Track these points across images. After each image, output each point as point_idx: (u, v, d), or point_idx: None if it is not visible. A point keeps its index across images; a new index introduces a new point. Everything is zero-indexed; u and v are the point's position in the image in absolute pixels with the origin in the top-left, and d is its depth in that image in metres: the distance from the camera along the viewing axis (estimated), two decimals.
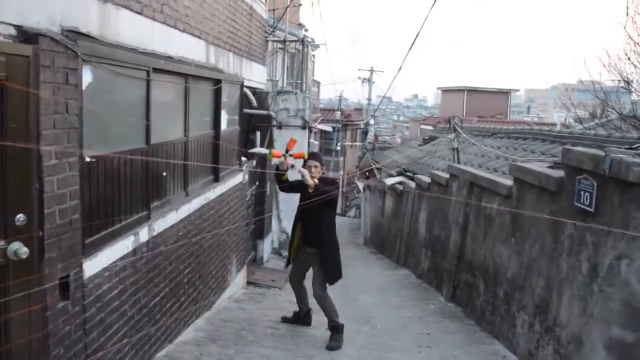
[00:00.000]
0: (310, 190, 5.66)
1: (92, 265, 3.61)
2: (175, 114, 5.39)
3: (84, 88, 3.43)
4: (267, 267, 10.18)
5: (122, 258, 4.07)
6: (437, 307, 7.66)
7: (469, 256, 7.41)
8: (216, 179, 6.74)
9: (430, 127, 29.10)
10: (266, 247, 10.49)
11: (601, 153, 4.05)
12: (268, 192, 10.16)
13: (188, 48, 5.62)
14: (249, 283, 8.82)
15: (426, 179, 10.49)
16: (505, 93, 37.96)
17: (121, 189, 4.08)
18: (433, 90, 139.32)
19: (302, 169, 5.74)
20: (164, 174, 5.04)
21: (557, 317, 4.63)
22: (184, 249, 5.47)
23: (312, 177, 5.81)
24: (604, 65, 15.35)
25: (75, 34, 3.27)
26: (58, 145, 3.12)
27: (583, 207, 4.28)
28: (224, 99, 6.74)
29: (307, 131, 11.09)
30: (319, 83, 23.14)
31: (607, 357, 3.89)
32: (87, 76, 3.48)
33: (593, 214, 4.16)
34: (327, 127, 23.72)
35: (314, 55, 24.28)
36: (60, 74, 3.12)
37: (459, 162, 10.99)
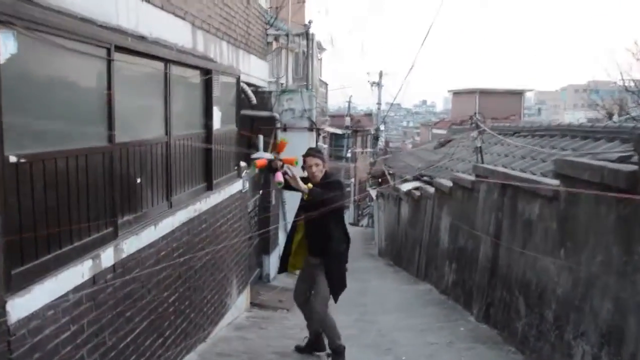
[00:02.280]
0: (305, 197, 4.85)
1: (25, 304, 2.67)
2: (152, 108, 4.46)
3: (2, 61, 2.50)
4: (274, 285, 9.21)
5: (76, 290, 3.13)
6: (467, 330, 6.64)
7: (503, 270, 6.41)
8: (209, 187, 5.81)
9: (442, 132, 28.12)
10: (273, 262, 9.52)
11: None
12: (274, 202, 9.20)
13: (168, 29, 4.72)
14: (253, 305, 7.86)
15: (447, 183, 9.49)
16: (518, 94, 36.80)
17: (72, 200, 3.14)
18: (442, 96, 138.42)
19: (289, 171, 4.86)
20: (138, 180, 4.10)
21: (639, 352, 3.63)
22: (168, 272, 4.52)
23: (314, 176, 4.99)
24: (633, 54, 14.35)
25: None
26: None
27: None
28: (215, 93, 5.81)
29: (314, 133, 10.14)
30: (326, 84, 22.18)
31: None
32: (8, 45, 2.55)
33: None
34: (337, 130, 22.73)
35: (320, 59, 23.44)
36: None
37: (482, 163, 9.98)
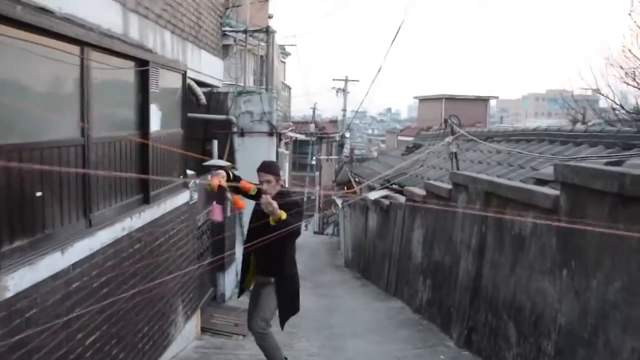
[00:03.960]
0: (273, 223, 4.25)
1: None
2: (60, 102, 3.53)
3: None
4: (230, 306, 8.27)
5: None
6: (448, 358, 5.85)
7: (488, 290, 5.65)
8: (145, 200, 4.88)
9: (408, 139, 27.63)
10: (228, 281, 8.58)
11: None
12: (228, 213, 8.27)
13: (87, 6, 3.82)
14: (204, 330, 6.91)
15: (419, 191, 8.74)
16: (484, 100, 36.67)
17: None
18: (406, 104, 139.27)
19: (267, 197, 4.22)
20: (38, 194, 3.17)
21: None
22: (84, 307, 3.58)
23: (266, 193, 4.41)
24: (606, 59, 13.99)
25: None
26: None
27: None
28: (153, 88, 4.90)
29: (274, 139, 9.25)
30: (289, 88, 21.27)
31: None
32: None
33: None
34: (301, 136, 21.85)
35: (284, 62, 22.56)
36: None
37: (458, 169, 9.27)
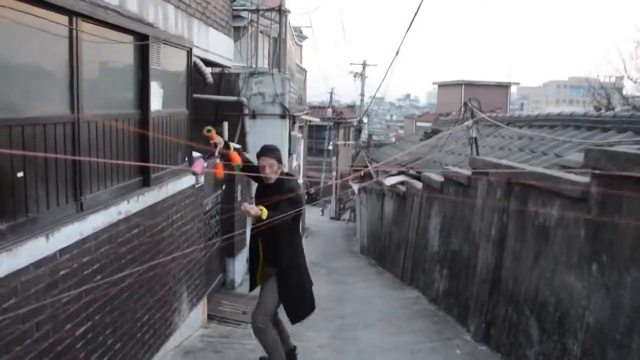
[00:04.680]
0: (252, 221, 4.23)
1: None
2: (46, 76, 3.26)
3: None
4: (240, 293, 8.04)
5: None
6: (465, 353, 5.56)
7: (508, 283, 5.33)
8: (145, 182, 4.62)
9: (427, 124, 27.16)
10: (238, 266, 8.34)
11: None
12: (239, 198, 8.01)
13: None
14: (211, 317, 6.69)
15: (437, 178, 8.39)
16: (504, 87, 35.90)
17: None
18: (425, 90, 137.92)
19: (245, 205, 3.99)
20: (19, 174, 2.91)
21: None
22: (73, 296, 3.34)
23: (268, 178, 4.30)
24: (635, 42, 13.45)
25: None
26: None
27: None
28: (154, 65, 4.62)
29: (287, 121, 8.93)
30: (305, 71, 20.82)
31: None
32: None
33: None
34: (315, 119, 21.47)
35: (300, 45, 22.15)
36: None
37: (477, 155, 8.90)
